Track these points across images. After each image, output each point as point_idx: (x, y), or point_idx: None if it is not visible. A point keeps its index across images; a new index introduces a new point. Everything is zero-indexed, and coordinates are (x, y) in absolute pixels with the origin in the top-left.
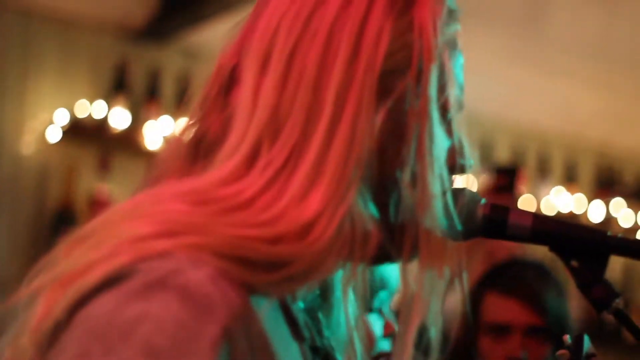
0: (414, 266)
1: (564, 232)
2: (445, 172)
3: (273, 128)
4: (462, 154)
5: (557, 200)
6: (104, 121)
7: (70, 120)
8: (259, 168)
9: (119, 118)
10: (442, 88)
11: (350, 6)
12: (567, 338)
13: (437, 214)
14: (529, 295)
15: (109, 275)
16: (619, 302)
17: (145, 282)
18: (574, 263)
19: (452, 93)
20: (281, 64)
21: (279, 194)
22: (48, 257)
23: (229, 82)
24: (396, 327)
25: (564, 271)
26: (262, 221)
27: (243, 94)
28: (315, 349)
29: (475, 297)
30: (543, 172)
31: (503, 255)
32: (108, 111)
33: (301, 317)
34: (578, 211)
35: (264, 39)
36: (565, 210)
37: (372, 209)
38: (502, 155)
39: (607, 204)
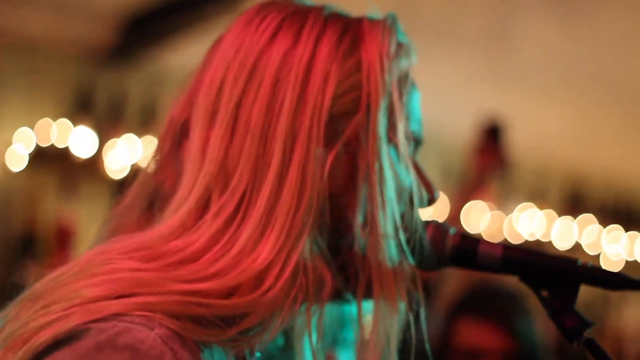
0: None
1: (534, 262)
2: (398, 211)
3: (221, 179)
4: (425, 188)
5: (525, 217)
6: (67, 147)
7: (34, 147)
8: (208, 219)
9: (83, 143)
10: (393, 125)
11: (295, 50)
12: None
13: (388, 254)
14: (503, 321)
15: (61, 335)
16: (590, 332)
17: (96, 342)
18: (545, 293)
19: (406, 129)
20: (227, 116)
21: (229, 244)
22: (1, 319)
23: (180, 136)
24: None
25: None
26: (212, 273)
27: (192, 148)
28: None
29: (449, 322)
30: (511, 190)
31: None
32: (72, 135)
33: None
34: (547, 227)
35: (210, 92)
36: (533, 227)
37: (327, 254)
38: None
39: (574, 219)
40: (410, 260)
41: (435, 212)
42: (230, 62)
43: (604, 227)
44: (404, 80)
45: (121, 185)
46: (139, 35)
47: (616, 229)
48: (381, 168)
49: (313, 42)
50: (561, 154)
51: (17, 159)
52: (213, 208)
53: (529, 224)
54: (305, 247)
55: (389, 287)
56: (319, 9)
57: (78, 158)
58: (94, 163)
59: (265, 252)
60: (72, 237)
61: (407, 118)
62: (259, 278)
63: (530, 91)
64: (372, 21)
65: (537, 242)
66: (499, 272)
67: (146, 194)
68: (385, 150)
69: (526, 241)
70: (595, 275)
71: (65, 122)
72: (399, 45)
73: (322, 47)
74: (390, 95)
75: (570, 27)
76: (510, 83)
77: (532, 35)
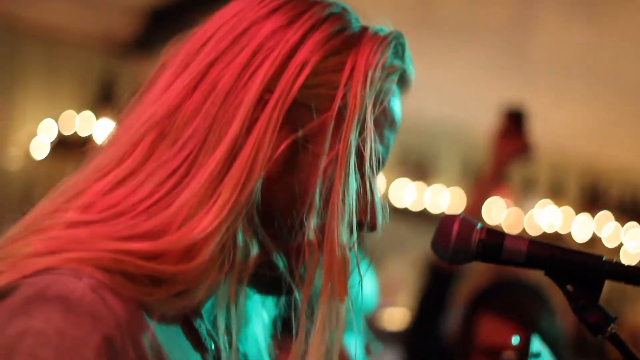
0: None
1: (559, 257)
2: (355, 223)
3: (166, 127)
4: (372, 212)
5: (544, 214)
6: (90, 136)
7: (57, 136)
8: (150, 166)
9: (106, 133)
10: (362, 139)
11: (286, 31)
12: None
13: (341, 263)
14: (524, 318)
15: None
16: (614, 327)
17: (26, 296)
18: (569, 287)
19: (371, 146)
20: (198, 69)
21: (168, 199)
22: None
23: None
24: (374, 347)
25: (557, 290)
26: (146, 231)
27: (154, 90)
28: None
29: (470, 317)
30: (529, 187)
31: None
32: (94, 125)
33: (203, 329)
34: (565, 225)
35: (196, 43)
36: (551, 223)
37: (260, 235)
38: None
39: (592, 217)
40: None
41: (454, 204)
42: (224, 22)
43: (622, 224)
44: (381, 100)
45: None
46: (161, 27)
47: (634, 226)
48: (346, 176)
49: (305, 29)
50: (579, 150)
51: (40, 147)
52: (157, 156)
53: (547, 221)
54: (241, 225)
55: (336, 291)
56: (327, 5)
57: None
58: None
59: (205, 222)
60: None
61: (374, 137)
62: (191, 249)
63: (549, 88)
64: (375, 34)
65: (556, 234)
66: (524, 266)
67: None
68: (352, 160)
69: (544, 233)
70: (620, 271)
71: (88, 114)
72: (391, 66)
73: (312, 37)
74: (366, 108)
75: (590, 25)
76: (529, 79)
77: (552, 32)
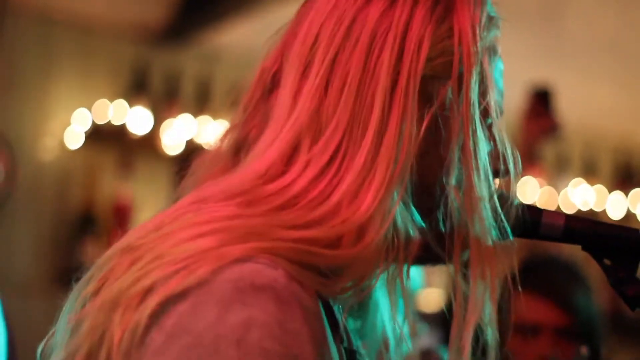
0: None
1: (596, 231)
2: (490, 175)
3: (313, 128)
4: (504, 158)
5: (577, 193)
6: (124, 125)
7: (91, 125)
8: (299, 165)
9: (140, 121)
10: (482, 93)
11: (392, 11)
12: (584, 350)
13: (485, 217)
14: (560, 295)
15: (191, 283)
16: None
17: (234, 284)
18: (607, 261)
19: (493, 98)
20: (323, 69)
21: (328, 191)
22: (94, 270)
23: (271, 86)
24: (422, 327)
25: (593, 267)
26: (314, 220)
27: (282, 96)
28: (349, 352)
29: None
30: (562, 166)
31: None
32: (128, 114)
33: (340, 319)
34: (598, 203)
35: (305, 45)
36: (585, 202)
37: (415, 214)
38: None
39: (626, 196)
40: (506, 225)
41: None
42: (326, 17)
43: None
44: (491, 51)
45: (178, 161)
46: (194, 14)
47: None
48: (474, 133)
49: (410, 5)
50: (612, 129)
51: (75, 137)
52: (304, 155)
53: (580, 199)
54: (399, 204)
55: (487, 253)
56: None
57: (134, 135)
58: (151, 140)
59: (366, 203)
60: (129, 214)
61: (494, 86)
62: (361, 230)
63: (581, 67)
64: None
65: (591, 212)
66: (561, 241)
67: (233, 143)
68: (477, 115)
69: (579, 211)
70: None
71: (121, 102)
72: (489, 17)
73: (418, 11)
74: (482, 63)
75: (622, 5)
76: (562, 59)
77: (583, 12)
